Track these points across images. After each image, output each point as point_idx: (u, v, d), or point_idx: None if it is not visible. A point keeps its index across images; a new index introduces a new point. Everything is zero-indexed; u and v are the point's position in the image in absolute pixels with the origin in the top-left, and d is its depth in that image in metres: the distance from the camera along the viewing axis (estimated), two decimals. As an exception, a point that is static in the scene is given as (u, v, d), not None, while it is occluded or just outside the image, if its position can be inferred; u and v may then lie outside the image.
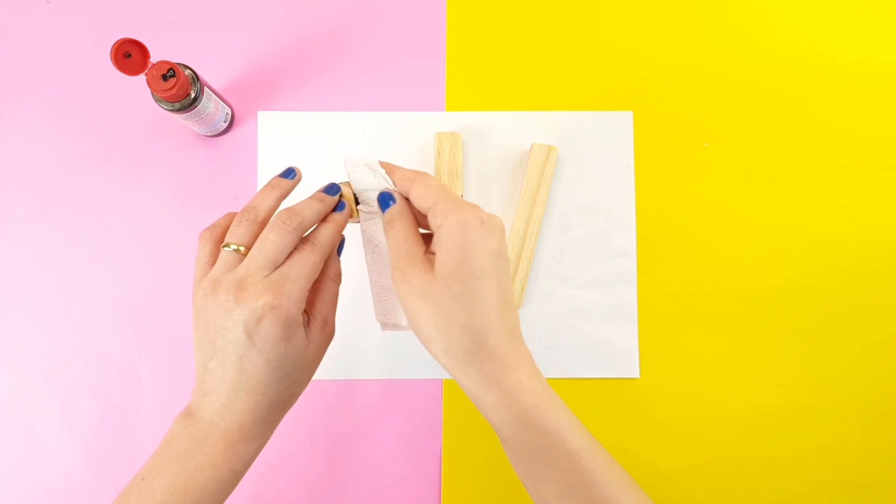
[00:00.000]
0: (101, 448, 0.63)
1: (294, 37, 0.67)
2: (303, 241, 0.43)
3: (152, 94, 0.56)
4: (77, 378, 0.63)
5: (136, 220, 0.65)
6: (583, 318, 0.65)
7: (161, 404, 0.63)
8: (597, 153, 0.66)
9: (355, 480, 0.63)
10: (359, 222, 0.47)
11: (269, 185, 0.45)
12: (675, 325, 0.65)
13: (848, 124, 0.67)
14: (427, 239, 0.44)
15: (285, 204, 0.45)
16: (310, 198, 0.44)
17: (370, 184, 0.46)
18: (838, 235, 0.66)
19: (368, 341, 0.64)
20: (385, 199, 0.45)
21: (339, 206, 0.46)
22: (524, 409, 0.40)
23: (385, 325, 0.48)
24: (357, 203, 0.47)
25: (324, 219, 0.45)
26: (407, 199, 0.44)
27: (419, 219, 0.45)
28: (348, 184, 0.46)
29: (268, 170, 0.65)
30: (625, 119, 0.66)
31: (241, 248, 0.42)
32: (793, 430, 0.64)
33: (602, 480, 0.40)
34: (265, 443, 0.43)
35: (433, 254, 0.42)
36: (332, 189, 0.46)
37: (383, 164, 0.46)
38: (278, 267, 0.41)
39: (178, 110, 0.57)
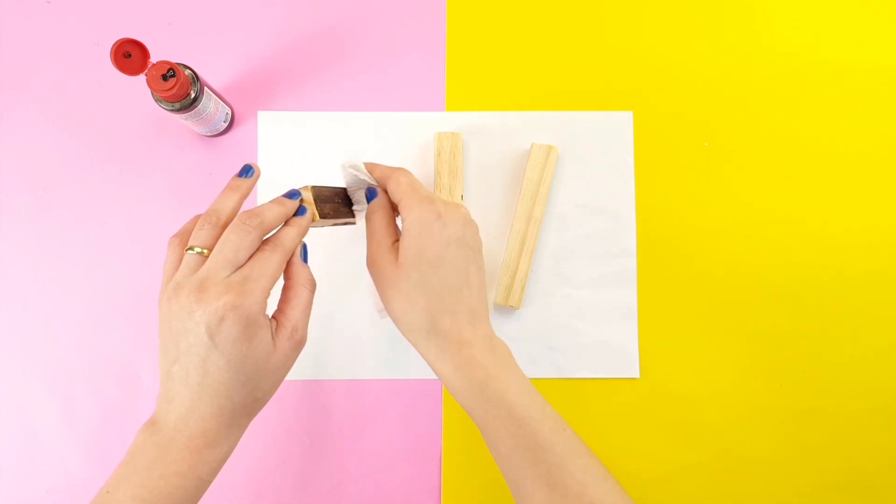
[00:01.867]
0: (101, 448, 0.63)
1: (294, 37, 0.67)
2: (265, 242, 0.43)
3: (152, 94, 0.56)
4: (77, 378, 0.63)
5: (136, 220, 0.65)
6: (583, 318, 0.65)
7: (161, 404, 0.63)
8: (597, 153, 0.66)
9: (355, 480, 0.63)
10: (320, 226, 0.49)
11: (229, 186, 0.46)
12: (675, 325, 0.65)
13: (848, 125, 0.67)
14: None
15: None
16: (271, 201, 0.45)
17: (360, 185, 0.51)
18: (838, 235, 0.66)
19: (368, 341, 0.64)
20: (370, 194, 0.50)
21: (300, 211, 0.47)
22: (474, 380, 0.45)
23: (382, 313, 0.52)
24: (351, 204, 0.52)
25: (286, 223, 0.46)
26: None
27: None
28: (309, 189, 0.48)
29: (268, 170, 0.65)
30: (625, 119, 0.66)
31: (205, 251, 0.42)
32: (793, 430, 0.64)
33: (547, 444, 0.44)
34: (231, 449, 0.43)
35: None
36: (293, 195, 0.47)
37: (367, 165, 0.51)
38: (240, 268, 0.41)
39: (178, 110, 0.57)
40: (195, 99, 0.57)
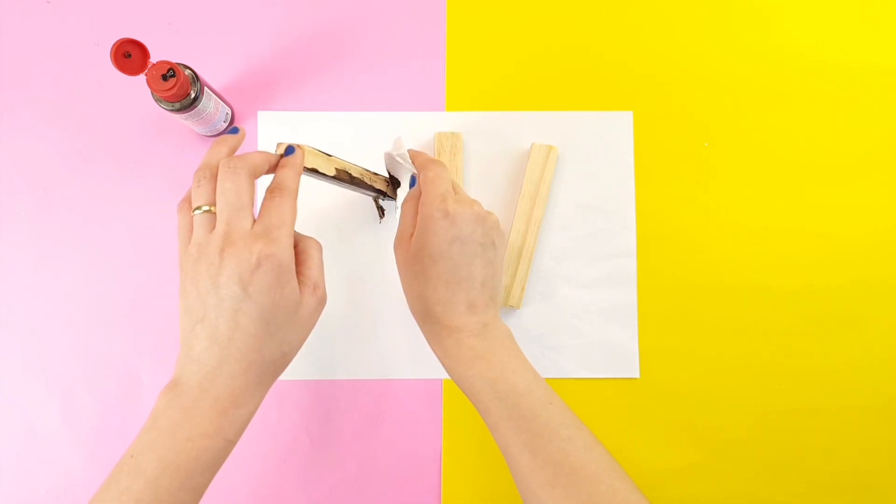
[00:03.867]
0: (101, 448, 0.63)
1: (294, 37, 0.67)
2: (269, 189, 0.44)
3: (152, 94, 0.56)
4: (77, 378, 0.63)
5: (136, 220, 0.65)
6: (583, 318, 0.65)
7: (161, 404, 0.63)
8: (597, 153, 0.66)
9: (355, 480, 0.63)
10: (312, 175, 0.50)
11: (216, 141, 0.46)
12: (675, 325, 0.65)
13: (848, 124, 0.67)
14: None
15: None
16: (261, 153, 0.45)
17: (399, 170, 0.57)
18: (839, 235, 0.66)
19: (369, 342, 0.64)
20: (413, 181, 0.56)
21: (288, 151, 0.47)
22: (461, 361, 0.49)
23: None
24: (397, 185, 0.58)
25: (279, 166, 0.46)
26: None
27: None
28: (300, 146, 0.48)
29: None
30: (625, 119, 0.66)
31: (212, 208, 0.42)
32: (793, 430, 0.64)
33: (531, 415, 0.46)
34: (255, 409, 0.43)
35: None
36: (288, 150, 0.47)
37: (410, 152, 0.56)
38: (258, 219, 0.42)
39: (178, 110, 0.57)
40: (195, 99, 0.57)
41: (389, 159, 0.57)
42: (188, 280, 0.41)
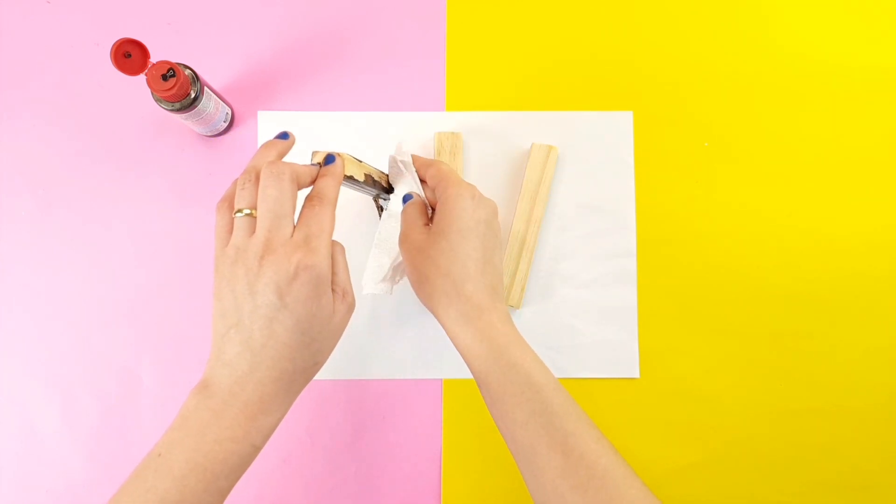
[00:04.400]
0: (101, 448, 0.63)
1: (294, 37, 0.67)
2: (308, 198, 0.44)
3: (152, 94, 0.56)
4: (77, 378, 0.63)
5: (136, 220, 0.65)
6: (583, 318, 0.65)
7: (161, 404, 0.63)
8: (597, 153, 0.66)
9: (355, 480, 0.63)
10: (347, 183, 0.50)
11: (265, 145, 0.46)
12: (675, 325, 0.65)
13: (848, 125, 0.67)
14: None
15: None
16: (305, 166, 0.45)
17: (401, 177, 0.56)
18: (838, 235, 0.66)
19: (369, 342, 0.64)
20: (406, 198, 0.54)
21: (328, 160, 0.47)
22: (495, 345, 0.47)
23: (370, 287, 0.55)
24: (391, 190, 0.57)
25: (320, 175, 0.46)
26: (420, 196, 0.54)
27: (431, 194, 0.54)
28: (343, 154, 0.49)
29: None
30: (625, 119, 0.66)
31: (253, 212, 0.42)
32: (793, 430, 0.64)
33: (563, 412, 0.45)
34: (283, 416, 0.43)
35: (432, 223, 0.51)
36: (328, 159, 0.47)
37: (413, 156, 0.55)
38: (298, 227, 0.42)
39: (178, 110, 0.57)
40: (195, 99, 0.57)
41: (393, 163, 0.57)
42: (224, 282, 0.41)
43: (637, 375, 0.64)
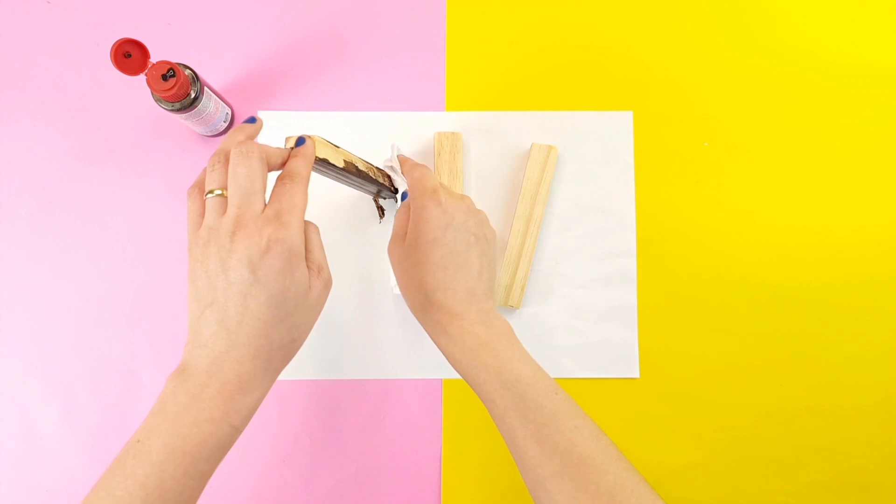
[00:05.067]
0: (101, 448, 0.63)
1: (294, 37, 0.67)
2: (280, 178, 0.44)
3: (152, 94, 0.56)
4: (77, 378, 0.63)
5: (135, 220, 0.65)
6: (583, 318, 0.65)
7: (161, 404, 0.63)
8: (597, 153, 0.66)
9: (355, 480, 0.63)
10: (321, 166, 0.50)
11: (234, 129, 0.46)
12: (675, 325, 0.65)
13: (848, 124, 0.67)
14: None
15: None
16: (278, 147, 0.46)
17: (398, 180, 0.59)
18: (838, 235, 0.66)
19: (369, 342, 0.64)
20: (404, 196, 0.56)
21: (299, 142, 0.47)
22: (466, 347, 0.48)
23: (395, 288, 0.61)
24: (396, 191, 0.60)
25: (290, 156, 0.46)
26: None
27: None
28: (313, 136, 0.49)
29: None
30: (625, 119, 0.66)
31: (224, 192, 0.42)
32: (793, 430, 0.64)
33: (537, 405, 0.45)
34: (263, 396, 0.42)
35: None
36: (299, 141, 0.47)
37: (399, 157, 0.57)
38: (269, 204, 0.41)
39: (178, 110, 0.57)
40: (195, 99, 0.57)
41: (387, 167, 0.59)
42: (197, 264, 0.41)
43: (637, 375, 0.64)
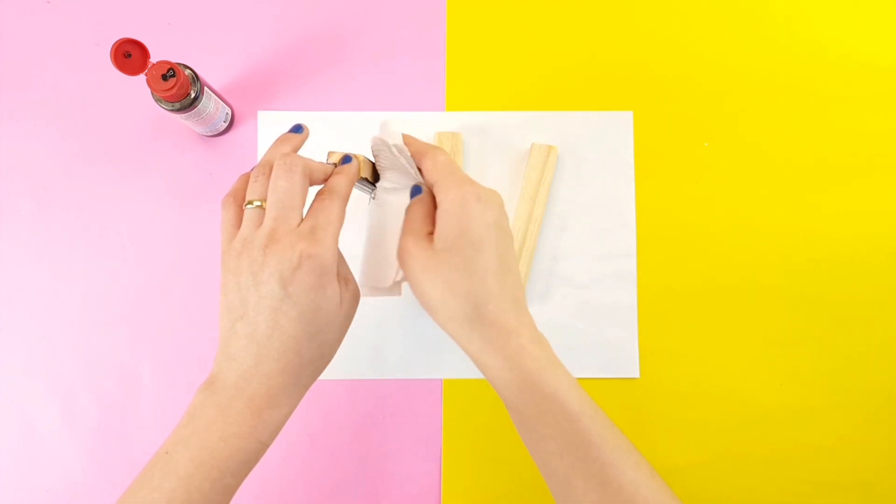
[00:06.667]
0: (101, 448, 0.63)
1: (294, 37, 0.67)
2: (319, 193, 0.43)
3: (152, 94, 0.56)
4: (77, 378, 0.63)
5: (135, 220, 0.65)
6: (583, 318, 0.65)
7: (161, 404, 0.63)
8: (597, 153, 0.66)
9: (355, 480, 0.63)
10: (365, 188, 0.49)
11: (279, 140, 0.45)
12: (675, 325, 0.65)
13: (848, 124, 0.67)
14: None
15: None
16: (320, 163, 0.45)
17: (392, 164, 0.49)
18: (838, 235, 0.66)
19: (368, 342, 0.64)
20: (415, 191, 0.47)
21: (345, 160, 0.46)
22: (525, 372, 0.42)
23: (370, 289, 0.51)
24: (377, 179, 0.50)
25: (334, 172, 0.45)
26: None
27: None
28: (360, 156, 0.48)
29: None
30: (625, 119, 0.66)
31: (263, 204, 0.41)
32: (793, 430, 0.64)
33: (600, 441, 0.41)
34: (291, 412, 0.42)
35: (433, 232, 0.44)
36: (345, 159, 0.47)
37: (404, 137, 0.48)
38: (305, 219, 0.41)
39: (178, 110, 0.57)
40: (195, 99, 0.57)
41: (380, 146, 0.49)
42: (230, 275, 0.40)
43: (637, 375, 0.64)
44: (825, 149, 0.66)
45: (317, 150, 0.65)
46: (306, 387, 0.42)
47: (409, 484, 0.63)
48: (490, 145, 0.66)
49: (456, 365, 0.64)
